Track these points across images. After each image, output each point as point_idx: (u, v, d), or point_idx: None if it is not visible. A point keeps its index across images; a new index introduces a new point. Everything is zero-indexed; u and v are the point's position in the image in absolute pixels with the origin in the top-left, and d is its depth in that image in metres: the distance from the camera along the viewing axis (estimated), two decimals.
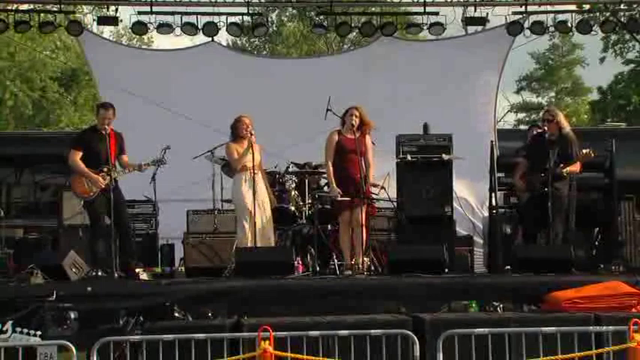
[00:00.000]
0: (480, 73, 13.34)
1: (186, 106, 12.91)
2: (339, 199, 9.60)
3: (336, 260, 10.01)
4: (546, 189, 9.48)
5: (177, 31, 12.97)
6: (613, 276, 8.95)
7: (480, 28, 13.79)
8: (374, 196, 10.07)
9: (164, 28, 12.93)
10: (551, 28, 13.37)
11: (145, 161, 9.66)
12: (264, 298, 8.34)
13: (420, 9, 13.25)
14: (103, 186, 9.40)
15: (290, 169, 10.72)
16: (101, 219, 9.52)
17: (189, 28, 12.95)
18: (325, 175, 10.64)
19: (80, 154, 9.54)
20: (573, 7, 13.67)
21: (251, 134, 9.67)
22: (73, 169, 9.59)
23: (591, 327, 7.47)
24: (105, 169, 9.45)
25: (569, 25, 13.16)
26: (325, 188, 10.50)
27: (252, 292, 8.41)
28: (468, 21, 13.53)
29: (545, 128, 9.82)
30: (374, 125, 9.78)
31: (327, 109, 9.94)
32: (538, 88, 35.91)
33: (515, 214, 10.59)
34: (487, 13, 13.15)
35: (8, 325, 7.25)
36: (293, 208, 10.43)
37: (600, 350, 7.24)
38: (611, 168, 10.85)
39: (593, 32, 13.24)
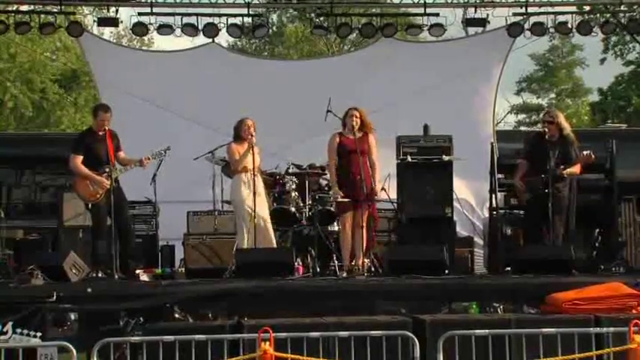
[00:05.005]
0: (480, 75, 13.33)
1: (186, 108, 12.91)
2: (340, 200, 9.62)
3: (336, 261, 10.02)
4: (547, 190, 9.49)
5: (178, 32, 12.95)
6: (613, 277, 8.94)
7: (480, 29, 13.78)
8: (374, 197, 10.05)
9: (164, 29, 12.92)
10: (552, 30, 13.37)
11: (146, 155, 9.67)
12: (265, 299, 8.33)
13: (421, 10, 13.23)
14: (108, 187, 9.42)
15: (290, 170, 10.72)
16: (104, 220, 9.54)
17: (190, 29, 12.93)
18: (326, 177, 10.68)
19: (81, 157, 9.56)
20: (574, 9, 13.67)
21: (251, 136, 9.69)
22: (77, 174, 9.60)
23: (592, 328, 7.47)
24: (107, 170, 9.47)
25: (570, 26, 13.14)
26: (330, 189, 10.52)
27: (252, 293, 8.40)
28: (469, 22, 13.53)
29: (546, 129, 9.83)
30: (372, 125, 9.80)
31: (328, 110, 9.95)
32: (538, 90, 35.92)
33: (519, 214, 10.58)
34: (487, 15, 13.13)
35: (9, 326, 7.27)
36: (293, 209, 10.43)
37: (601, 352, 7.24)
38: (612, 169, 10.86)
39: (593, 33, 13.23)
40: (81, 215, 10.45)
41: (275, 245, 9.85)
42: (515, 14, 13.16)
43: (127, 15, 13.73)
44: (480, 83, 13.35)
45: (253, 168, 9.67)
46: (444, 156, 10.26)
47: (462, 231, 11.54)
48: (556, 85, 35.46)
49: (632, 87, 28.36)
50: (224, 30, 13.06)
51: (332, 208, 10.23)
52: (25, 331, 7.22)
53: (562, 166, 9.65)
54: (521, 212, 10.49)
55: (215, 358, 7.04)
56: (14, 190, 14.24)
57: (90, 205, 9.60)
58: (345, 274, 9.51)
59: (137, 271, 9.64)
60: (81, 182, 9.57)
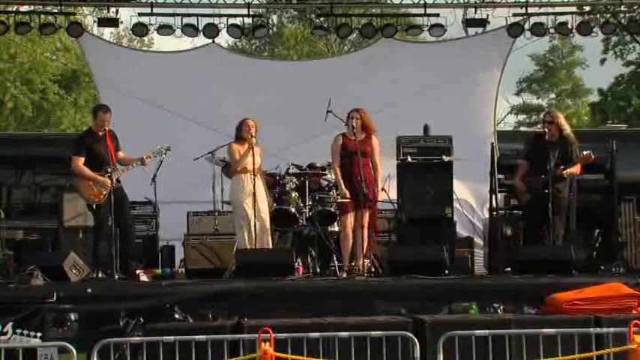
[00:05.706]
0: (480, 75, 13.34)
1: (186, 108, 12.91)
2: (341, 200, 9.63)
3: (336, 262, 10.01)
4: (547, 190, 9.49)
5: (178, 32, 12.97)
6: (613, 277, 8.94)
7: (480, 29, 13.79)
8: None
9: (164, 29, 12.94)
10: (552, 30, 13.37)
11: (147, 153, 9.67)
12: (265, 299, 8.33)
13: (421, 11, 13.25)
14: (111, 187, 9.42)
15: (290, 171, 10.72)
16: (107, 220, 9.53)
17: (190, 30, 12.95)
18: (326, 177, 10.68)
19: (83, 159, 9.56)
20: (574, 9, 13.67)
21: (252, 136, 9.69)
22: (79, 175, 9.59)
23: (592, 329, 7.47)
24: (109, 170, 9.47)
25: (570, 26, 13.15)
26: (330, 190, 10.52)
27: (252, 293, 8.39)
28: (469, 22, 13.55)
29: (546, 130, 9.83)
30: (374, 127, 9.80)
31: (328, 111, 9.94)
32: (538, 90, 35.93)
33: (519, 215, 10.58)
34: (487, 15, 13.15)
35: (9, 327, 7.27)
36: (293, 210, 10.43)
37: (601, 352, 7.23)
38: (612, 169, 10.85)
39: (593, 34, 13.24)
40: (81, 216, 10.46)
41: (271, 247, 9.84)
42: (515, 14, 13.17)
43: (127, 15, 13.74)
44: (480, 84, 13.35)
45: (253, 169, 9.67)
46: (444, 156, 10.27)
47: (462, 231, 11.54)
48: (556, 86, 35.47)
49: (632, 87, 28.33)
50: (224, 30, 13.08)
51: (332, 209, 10.23)
52: (25, 332, 7.21)
53: (562, 167, 9.65)
54: (522, 213, 10.48)
55: (215, 359, 7.04)
56: (14, 191, 14.24)
57: (94, 206, 9.58)
58: (345, 275, 9.50)
59: (137, 272, 9.64)
60: (84, 183, 9.56)
